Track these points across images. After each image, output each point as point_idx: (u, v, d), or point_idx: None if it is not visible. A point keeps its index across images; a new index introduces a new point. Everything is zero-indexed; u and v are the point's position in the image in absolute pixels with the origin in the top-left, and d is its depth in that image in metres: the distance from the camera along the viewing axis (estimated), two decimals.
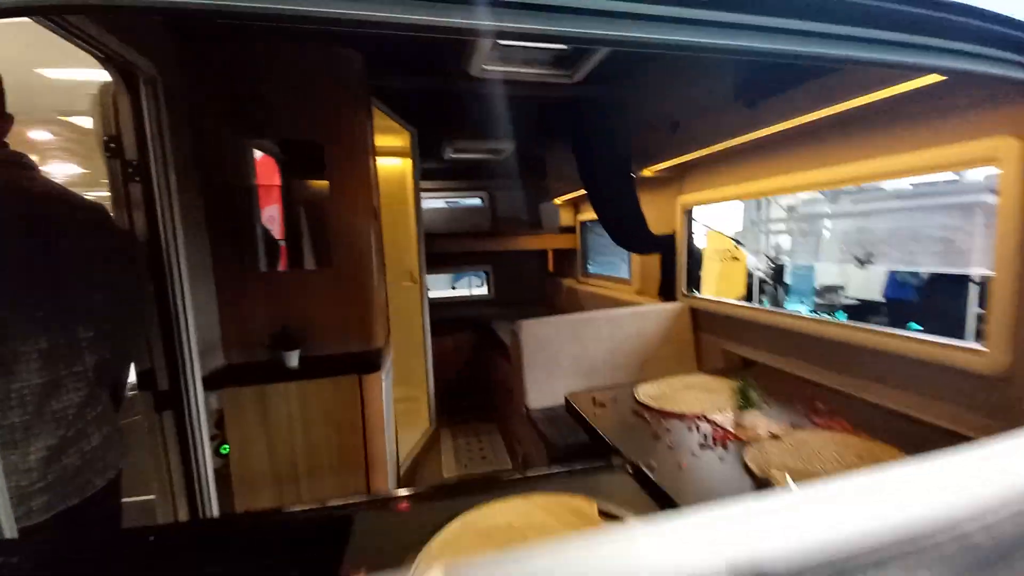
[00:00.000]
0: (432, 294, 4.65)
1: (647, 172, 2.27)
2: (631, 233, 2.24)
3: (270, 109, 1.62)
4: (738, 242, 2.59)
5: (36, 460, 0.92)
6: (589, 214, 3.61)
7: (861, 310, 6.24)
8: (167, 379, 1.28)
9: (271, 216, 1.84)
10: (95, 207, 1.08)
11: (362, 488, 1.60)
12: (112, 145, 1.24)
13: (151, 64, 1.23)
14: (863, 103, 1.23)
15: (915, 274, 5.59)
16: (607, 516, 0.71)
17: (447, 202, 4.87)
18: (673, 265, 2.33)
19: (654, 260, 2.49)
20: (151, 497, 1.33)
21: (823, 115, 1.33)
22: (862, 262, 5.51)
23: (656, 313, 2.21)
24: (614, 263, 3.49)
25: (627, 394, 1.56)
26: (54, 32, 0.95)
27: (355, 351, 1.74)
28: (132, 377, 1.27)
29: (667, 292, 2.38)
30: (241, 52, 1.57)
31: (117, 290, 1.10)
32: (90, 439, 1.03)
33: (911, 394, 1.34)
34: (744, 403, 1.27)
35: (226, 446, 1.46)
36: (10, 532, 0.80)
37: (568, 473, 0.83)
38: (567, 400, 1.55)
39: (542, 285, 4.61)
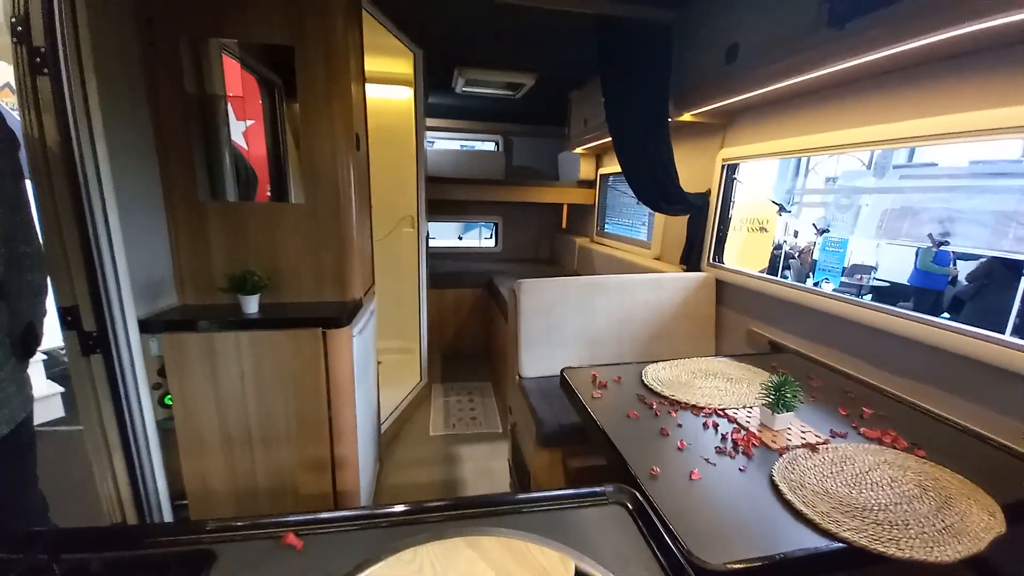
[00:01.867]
0: (437, 243, 4.41)
1: (687, 116, 1.92)
2: (659, 188, 1.92)
3: (234, 3, 1.32)
4: (783, 208, 2.26)
5: None
6: (611, 167, 3.26)
7: (891, 293, 5.85)
8: (93, 318, 1.09)
9: (240, 137, 1.58)
10: None
11: (325, 462, 1.43)
12: (19, 28, 0.97)
13: None
14: (999, 24, 0.89)
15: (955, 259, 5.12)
16: None
17: (461, 145, 4.52)
18: (702, 229, 2.04)
19: (679, 223, 2.19)
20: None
21: (935, 40, 1.00)
22: (937, 243, 4.98)
23: (676, 282, 1.95)
24: (634, 226, 3.17)
25: (634, 375, 1.34)
26: None
27: (329, 301, 1.52)
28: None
29: (690, 260, 2.10)
30: None
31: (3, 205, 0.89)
32: None
33: (986, 408, 1.09)
34: (778, 403, 1.03)
35: (170, 396, 1.29)
36: None
37: (546, 501, 0.62)
38: (563, 376, 1.33)
39: (553, 242, 4.32)
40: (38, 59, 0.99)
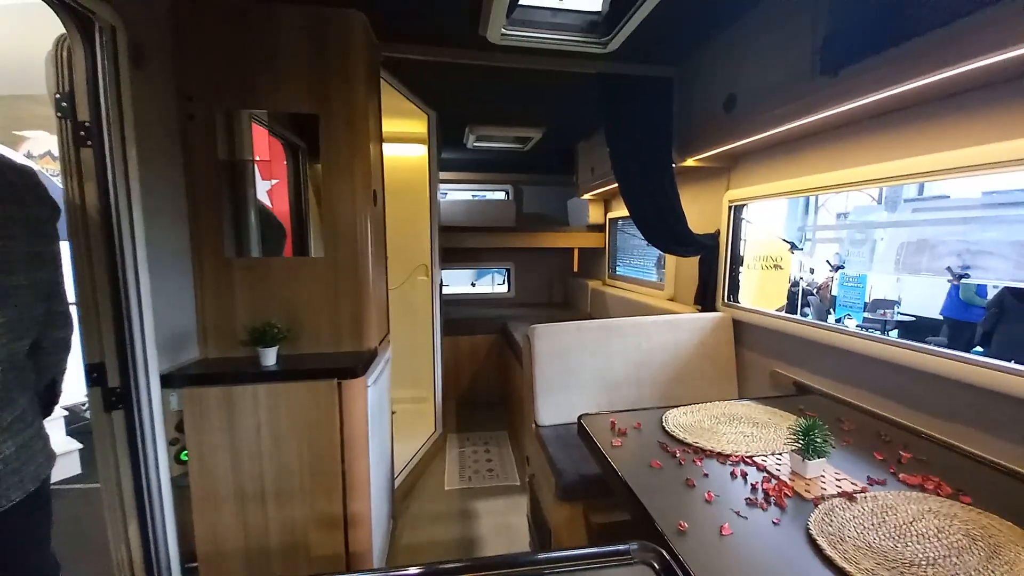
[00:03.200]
0: (451, 290, 4.47)
1: (690, 161, 1.98)
2: (668, 231, 1.95)
3: (264, 75, 1.44)
4: (794, 246, 2.25)
5: None
6: (619, 211, 3.33)
7: (917, 328, 5.64)
8: (118, 374, 1.12)
9: (265, 196, 1.67)
10: (23, 169, 0.92)
11: (338, 519, 1.38)
12: (64, 104, 1.08)
13: (112, 11, 1.06)
14: (995, 62, 0.92)
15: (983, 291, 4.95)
16: None
17: (472, 195, 4.69)
18: (714, 269, 2.04)
19: (691, 264, 2.20)
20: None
21: (930, 81, 1.03)
22: (958, 276, 4.86)
23: (692, 323, 1.92)
24: (646, 267, 3.19)
25: (654, 420, 1.29)
26: None
27: (345, 351, 1.54)
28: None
29: (705, 300, 2.09)
30: (233, 15, 1.39)
31: (43, 269, 0.94)
32: (0, 448, 0.86)
33: None
34: (808, 448, 0.99)
35: (186, 452, 1.29)
36: None
37: (568, 561, 0.59)
38: (580, 423, 1.30)
39: (566, 285, 4.34)
40: (82, 132, 1.09)
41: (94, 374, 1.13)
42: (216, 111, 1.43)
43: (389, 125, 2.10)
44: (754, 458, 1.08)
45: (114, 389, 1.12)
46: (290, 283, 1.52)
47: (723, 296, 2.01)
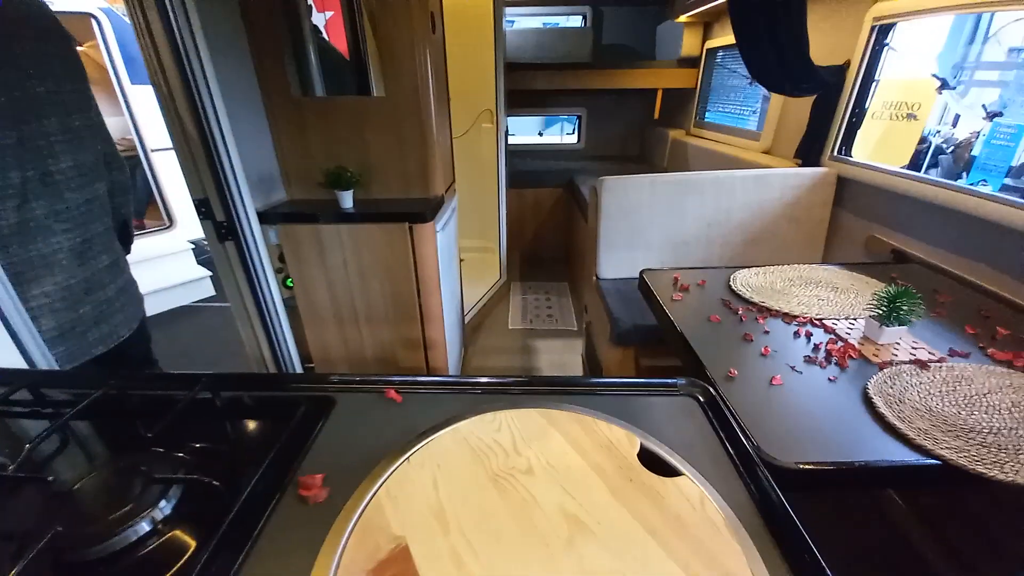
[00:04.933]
0: (516, 140, 4.25)
1: None
2: (781, 62, 1.59)
3: None
4: (945, 83, 1.79)
5: (38, 307, 0.87)
6: (722, 38, 2.75)
7: None
8: (222, 210, 1.25)
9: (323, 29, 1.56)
10: (40, 6, 0.88)
11: (418, 341, 1.61)
12: None
13: None
14: None
15: None
16: (653, 460, 0.53)
17: (543, 23, 4.05)
18: (829, 115, 1.71)
19: (800, 108, 1.85)
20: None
21: None
22: None
23: (786, 180, 1.71)
24: (742, 113, 2.75)
25: (720, 280, 1.26)
26: None
27: (413, 197, 1.59)
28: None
29: (808, 153, 1.81)
30: None
31: (91, 110, 0.97)
32: (106, 289, 0.99)
33: None
34: (889, 315, 0.93)
35: (290, 280, 1.51)
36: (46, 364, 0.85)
37: (616, 387, 0.65)
38: (641, 277, 1.30)
39: (642, 138, 3.93)
40: None
41: (202, 209, 1.27)
42: None
43: None
44: (824, 321, 1.05)
45: (222, 223, 1.28)
46: (357, 125, 1.51)
47: (833, 148, 1.72)
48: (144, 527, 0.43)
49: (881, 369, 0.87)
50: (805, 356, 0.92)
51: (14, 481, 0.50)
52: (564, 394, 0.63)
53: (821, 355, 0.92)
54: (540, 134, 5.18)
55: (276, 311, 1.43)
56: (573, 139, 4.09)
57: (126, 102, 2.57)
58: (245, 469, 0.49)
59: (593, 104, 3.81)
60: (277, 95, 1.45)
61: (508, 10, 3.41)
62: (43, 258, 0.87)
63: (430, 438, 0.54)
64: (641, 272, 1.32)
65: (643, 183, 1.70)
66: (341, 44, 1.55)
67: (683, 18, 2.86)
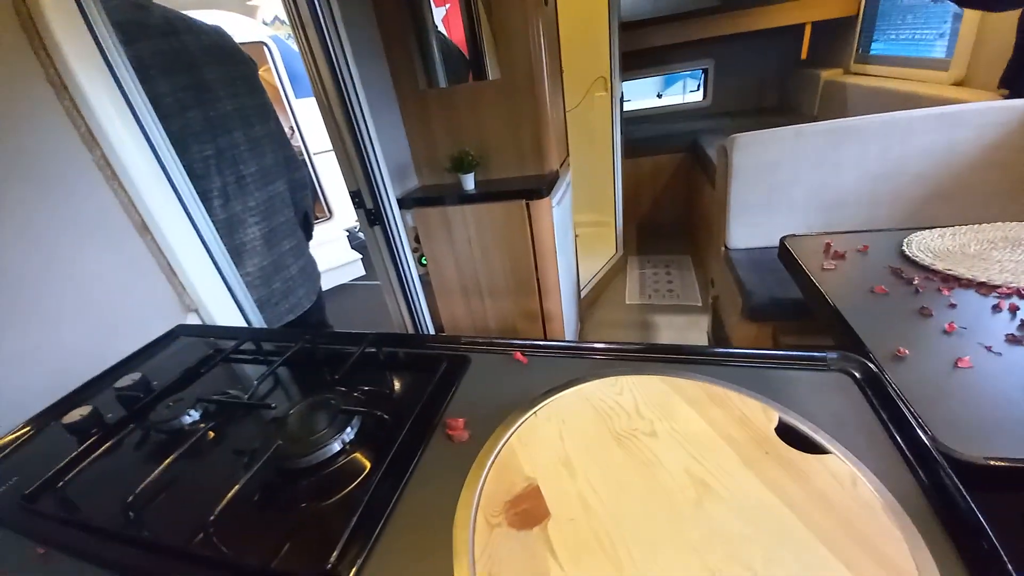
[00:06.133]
0: (632, 106, 4.01)
1: None
2: None
3: None
4: None
5: (246, 284, 1.07)
6: None
7: None
8: (371, 199, 1.45)
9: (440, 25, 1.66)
10: (217, 30, 1.05)
11: (536, 313, 1.69)
12: None
13: None
14: None
15: None
16: (793, 436, 0.49)
17: None
18: None
19: (1005, 24, 1.42)
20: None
21: None
22: None
23: (984, 116, 1.35)
24: (924, 39, 2.20)
25: (890, 244, 1.06)
26: None
27: (529, 174, 1.64)
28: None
29: (1018, 80, 1.39)
30: None
31: (270, 120, 1.15)
32: (289, 269, 1.20)
33: None
34: None
35: (424, 258, 1.70)
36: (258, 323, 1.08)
37: (750, 358, 0.60)
38: (782, 244, 1.16)
39: (784, 84, 3.39)
40: None
41: (356, 199, 1.49)
42: None
43: None
44: None
45: (371, 210, 1.48)
46: (475, 109, 1.60)
47: None
48: (335, 447, 0.56)
49: None
50: (1008, 335, 0.74)
51: (248, 407, 0.67)
52: (688, 363, 0.62)
53: None
54: (659, 96, 4.79)
55: (415, 286, 1.62)
56: (697, 96, 3.72)
57: (293, 114, 3.08)
58: (404, 409, 0.59)
59: (722, 53, 3.40)
60: (407, 91, 1.61)
61: None
62: (243, 245, 1.10)
63: (554, 396, 0.58)
64: (782, 239, 1.18)
65: (784, 136, 1.49)
66: (458, 34, 1.65)
67: None
